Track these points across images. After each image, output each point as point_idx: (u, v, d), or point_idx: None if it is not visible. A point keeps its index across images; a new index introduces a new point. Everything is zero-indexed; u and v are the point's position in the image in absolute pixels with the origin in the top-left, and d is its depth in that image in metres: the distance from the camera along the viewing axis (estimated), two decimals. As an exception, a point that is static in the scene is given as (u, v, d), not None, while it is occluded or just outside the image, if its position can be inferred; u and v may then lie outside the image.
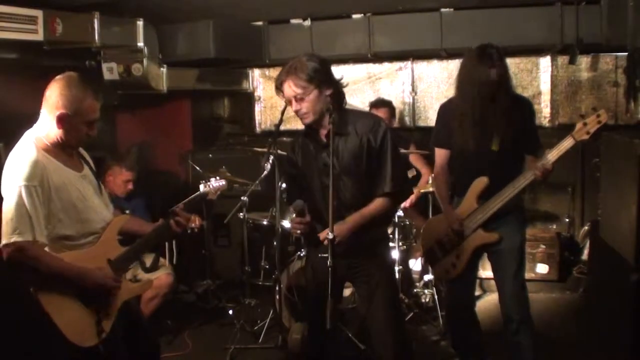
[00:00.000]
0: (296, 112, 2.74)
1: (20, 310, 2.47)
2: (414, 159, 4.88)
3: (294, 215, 2.74)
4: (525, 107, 3.20)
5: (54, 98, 2.42)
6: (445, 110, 3.30)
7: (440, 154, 3.33)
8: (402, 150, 4.45)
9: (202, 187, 2.96)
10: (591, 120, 2.91)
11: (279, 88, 2.76)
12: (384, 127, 2.78)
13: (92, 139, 2.52)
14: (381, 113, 4.84)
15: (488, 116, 3.08)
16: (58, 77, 2.46)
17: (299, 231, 2.76)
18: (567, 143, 2.96)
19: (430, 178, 4.85)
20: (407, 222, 4.64)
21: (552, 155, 2.97)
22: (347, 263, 2.76)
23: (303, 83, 2.67)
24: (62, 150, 2.49)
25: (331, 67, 2.79)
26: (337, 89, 2.78)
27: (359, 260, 2.80)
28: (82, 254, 2.47)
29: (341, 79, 2.81)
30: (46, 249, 2.36)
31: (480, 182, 3.15)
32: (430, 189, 4.57)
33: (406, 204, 4.68)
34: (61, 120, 2.41)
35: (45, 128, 2.46)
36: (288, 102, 2.77)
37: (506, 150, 3.10)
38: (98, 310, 2.48)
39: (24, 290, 2.35)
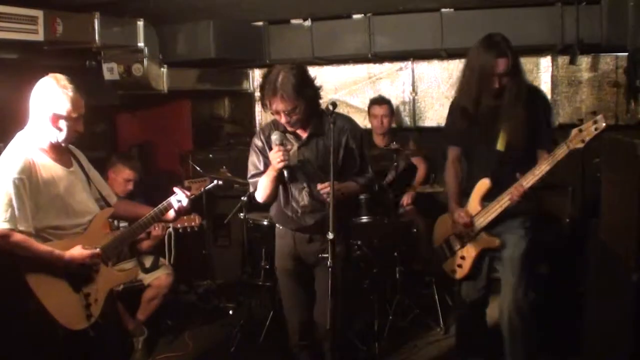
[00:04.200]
0: (286, 123, 2.87)
1: (10, 295, 2.56)
2: (413, 157, 4.89)
3: (276, 145, 2.84)
4: (538, 100, 3.07)
5: (42, 100, 2.56)
6: (454, 106, 3.26)
7: (451, 151, 3.29)
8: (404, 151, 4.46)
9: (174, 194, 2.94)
10: (587, 127, 2.79)
11: (266, 104, 2.87)
12: (360, 129, 3.06)
13: (81, 135, 2.66)
14: (382, 110, 4.85)
15: (493, 113, 2.99)
16: (42, 79, 2.59)
17: (281, 160, 2.81)
18: (560, 152, 2.85)
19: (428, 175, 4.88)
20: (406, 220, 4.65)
21: (541, 169, 2.88)
22: (317, 246, 2.96)
23: (293, 99, 2.79)
24: (52, 148, 2.64)
25: (309, 73, 2.92)
26: (318, 95, 2.95)
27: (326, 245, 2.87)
28: (69, 243, 2.61)
29: (315, 78, 2.95)
30: (32, 238, 2.49)
31: (483, 185, 3.10)
32: (428, 190, 4.59)
33: (407, 200, 4.68)
34: (53, 121, 2.55)
35: (36, 129, 2.60)
36: (276, 115, 2.87)
37: (514, 150, 3.01)
38: (87, 295, 2.62)
39: (12, 276, 2.48)
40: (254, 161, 3.07)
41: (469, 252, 3.19)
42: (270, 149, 2.91)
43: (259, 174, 3.03)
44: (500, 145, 3.04)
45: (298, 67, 2.87)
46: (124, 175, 4.31)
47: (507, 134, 3.01)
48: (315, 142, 2.95)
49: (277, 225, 3.15)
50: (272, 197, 3.02)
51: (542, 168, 2.88)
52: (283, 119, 2.85)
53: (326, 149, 2.90)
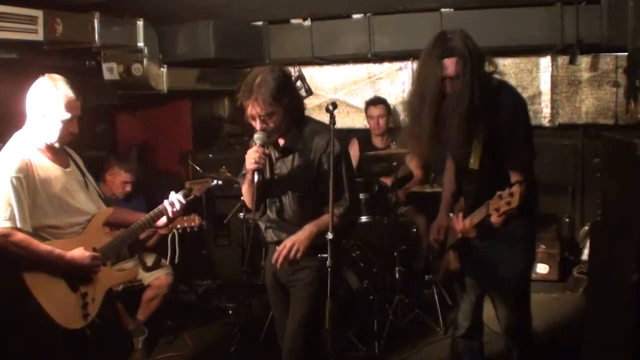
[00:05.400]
0: (261, 130, 2.60)
1: (8, 294, 2.56)
2: (409, 160, 4.88)
3: (257, 144, 2.59)
4: (501, 111, 2.54)
5: (36, 101, 2.57)
6: None
7: (447, 162, 3.01)
8: (400, 150, 4.45)
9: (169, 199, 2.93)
10: (505, 196, 2.32)
11: (242, 106, 2.62)
12: (339, 148, 2.63)
13: (76, 136, 2.66)
14: (378, 110, 4.86)
15: (454, 129, 2.51)
16: (38, 80, 2.59)
17: (255, 161, 2.55)
18: (482, 212, 2.48)
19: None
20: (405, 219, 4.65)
21: (473, 218, 2.54)
22: (286, 267, 2.70)
23: (269, 103, 2.53)
24: (48, 148, 2.65)
25: (291, 78, 2.68)
26: (300, 103, 2.70)
27: (301, 270, 2.72)
28: (68, 242, 2.62)
29: (301, 88, 2.76)
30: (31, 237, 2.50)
31: (459, 205, 2.78)
32: (427, 190, 4.59)
33: (402, 196, 4.67)
34: (45, 121, 2.56)
35: (32, 129, 2.61)
36: (252, 120, 2.62)
37: (489, 167, 2.58)
38: (84, 295, 2.63)
39: (10, 275, 2.49)
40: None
41: (443, 266, 2.93)
42: None
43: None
44: (473, 163, 2.61)
45: (280, 70, 2.61)
46: (121, 178, 4.31)
47: (480, 146, 2.57)
48: (290, 158, 2.68)
49: None
50: (252, 200, 2.70)
51: (480, 212, 2.51)
52: (258, 125, 2.58)
53: (300, 169, 2.65)
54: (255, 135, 2.62)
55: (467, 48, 2.46)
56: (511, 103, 2.61)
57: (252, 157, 2.57)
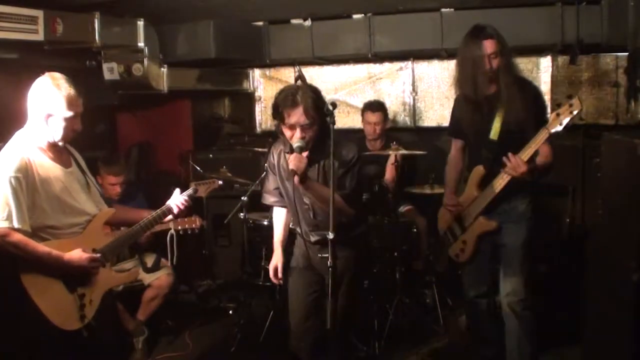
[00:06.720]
0: (301, 138, 2.78)
1: (5, 294, 2.57)
2: (389, 169, 4.77)
3: (297, 152, 2.74)
4: (528, 91, 3.08)
5: (38, 100, 2.56)
6: (458, 101, 3.35)
7: (454, 144, 3.45)
8: (401, 151, 4.45)
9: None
10: (564, 110, 2.83)
11: (284, 117, 2.78)
12: (356, 154, 2.93)
13: (80, 134, 2.66)
14: (375, 117, 4.75)
15: (488, 101, 3.08)
16: (38, 79, 2.59)
17: (297, 166, 2.69)
18: (541, 136, 2.90)
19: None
20: (406, 219, 4.64)
21: (526, 153, 2.95)
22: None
23: (312, 112, 2.76)
24: (50, 147, 2.64)
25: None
26: (330, 119, 2.82)
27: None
28: (67, 242, 2.61)
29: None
30: (30, 238, 2.50)
31: (477, 172, 3.21)
32: (427, 191, 4.58)
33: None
34: (48, 120, 2.56)
35: (34, 128, 2.60)
36: (290, 129, 2.80)
37: (506, 140, 3.06)
38: (81, 296, 2.62)
39: (7, 275, 2.49)
40: (271, 180, 3.17)
41: (469, 237, 3.31)
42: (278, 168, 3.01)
43: (275, 189, 3.14)
44: (493, 135, 3.11)
45: (314, 86, 2.94)
46: (108, 181, 4.30)
47: (501, 119, 3.06)
48: (316, 168, 2.91)
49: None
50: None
51: (530, 148, 2.95)
52: (298, 134, 2.78)
53: (327, 176, 2.86)
54: (296, 144, 2.79)
55: (498, 33, 3.01)
56: (536, 89, 3.23)
57: (294, 161, 2.71)
